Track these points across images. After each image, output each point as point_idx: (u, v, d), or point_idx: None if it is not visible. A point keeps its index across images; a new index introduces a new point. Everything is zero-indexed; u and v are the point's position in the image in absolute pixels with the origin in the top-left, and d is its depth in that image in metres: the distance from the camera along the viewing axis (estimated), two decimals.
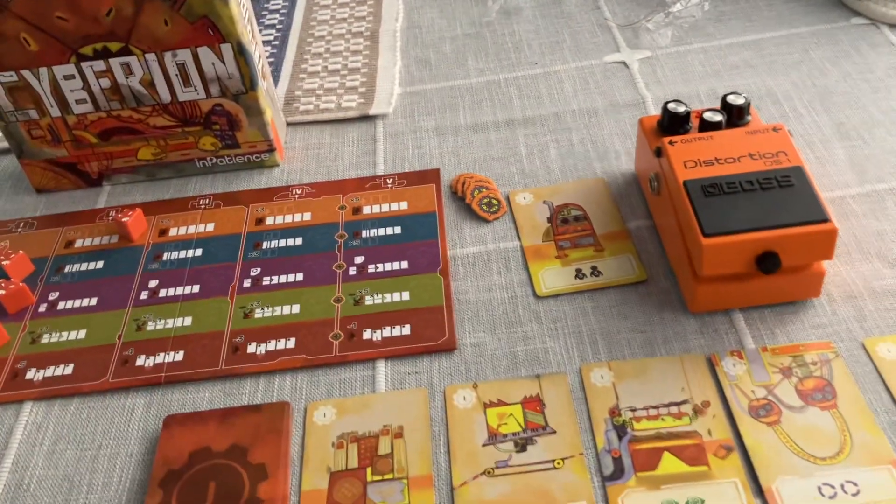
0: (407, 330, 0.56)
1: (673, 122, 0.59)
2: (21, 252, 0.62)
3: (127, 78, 0.63)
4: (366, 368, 0.54)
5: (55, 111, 0.65)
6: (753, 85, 0.72)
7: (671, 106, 0.59)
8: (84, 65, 0.62)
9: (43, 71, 0.63)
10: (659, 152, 0.57)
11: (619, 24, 0.81)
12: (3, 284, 0.59)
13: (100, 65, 0.63)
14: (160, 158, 0.69)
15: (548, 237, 0.61)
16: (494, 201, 0.64)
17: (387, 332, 0.55)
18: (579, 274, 0.58)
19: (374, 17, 0.85)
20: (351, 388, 0.53)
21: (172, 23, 0.61)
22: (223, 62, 0.63)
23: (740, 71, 0.74)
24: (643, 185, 0.63)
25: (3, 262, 0.61)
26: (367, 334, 0.56)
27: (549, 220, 0.62)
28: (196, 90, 0.65)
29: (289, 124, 0.74)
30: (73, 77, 0.63)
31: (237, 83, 0.64)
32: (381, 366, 0.54)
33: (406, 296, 0.58)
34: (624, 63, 0.76)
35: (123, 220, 0.63)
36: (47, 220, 0.68)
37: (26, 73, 0.63)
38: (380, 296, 0.58)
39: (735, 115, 0.60)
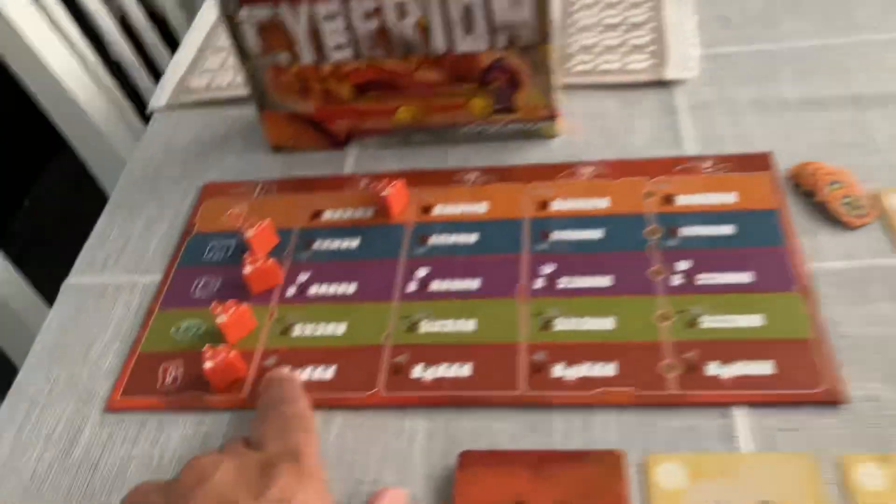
0: (768, 368, 0.42)
1: None
2: (268, 220, 0.52)
3: (400, 20, 0.53)
4: (717, 416, 0.41)
5: (308, 56, 0.55)
6: None
7: None
8: (353, 2, 0.52)
9: (303, 7, 0.52)
10: None
11: None
12: (248, 259, 0.50)
13: (370, 3, 0.52)
14: (420, 121, 0.58)
15: None
16: (861, 201, 0.49)
17: (739, 367, 0.43)
18: None
19: None
20: (701, 442, 0.41)
21: None
22: (521, 4, 0.51)
23: None
24: None
25: (247, 233, 0.52)
26: (712, 369, 0.43)
27: None
28: (479, 40, 0.53)
29: (565, 87, 0.61)
30: (335, 17, 0.52)
31: (531, 32, 0.52)
32: (740, 414, 0.41)
33: (758, 320, 0.44)
34: None
35: (384, 192, 0.53)
36: (289, 184, 0.58)
37: (284, 9, 0.53)
38: (722, 317, 0.45)
39: None
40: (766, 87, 0.58)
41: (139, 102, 0.91)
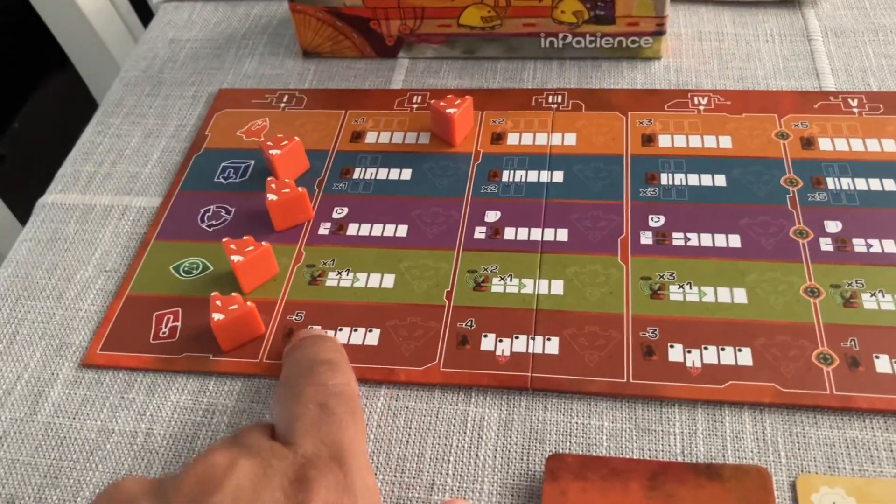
0: None
1: None
2: (297, 139, 0.42)
3: None
4: (892, 427, 0.31)
5: None
6: None
7: None
8: None
9: None
10: None
11: None
12: (273, 186, 0.39)
13: None
14: (491, 27, 0.47)
15: None
16: None
17: None
18: None
19: None
20: (869, 461, 0.31)
21: None
22: None
23: None
24: None
25: (272, 152, 0.41)
26: (882, 364, 0.33)
27: None
28: None
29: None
30: None
31: None
32: None
33: None
34: None
35: (449, 111, 0.42)
36: (322, 95, 0.47)
37: None
38: (888, 297, 0.34)
39: None
40: None
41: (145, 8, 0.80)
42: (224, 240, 0.37)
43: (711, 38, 0.47)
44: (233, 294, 0.35)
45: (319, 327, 0.35)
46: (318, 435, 0.27)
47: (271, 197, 0.38)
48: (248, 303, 0.34)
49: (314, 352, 0.32)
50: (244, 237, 0.37)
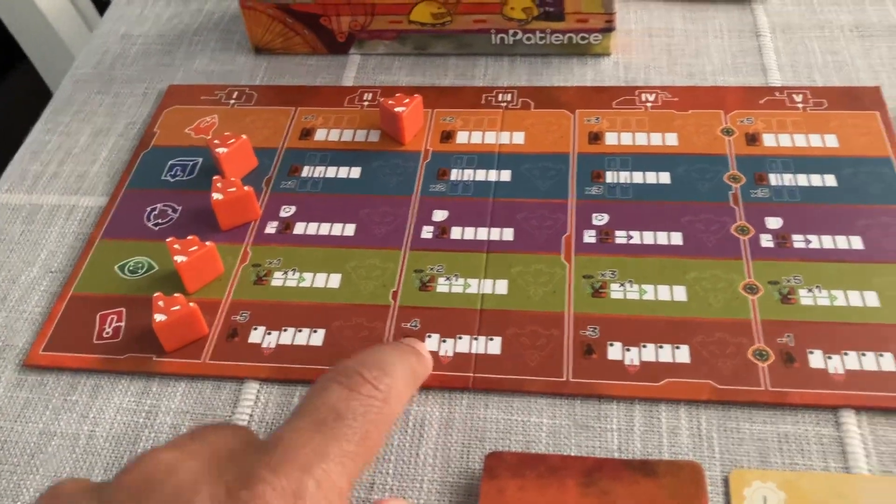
0: (890, 361, 0.33)
1: None
2: (245, 137, 0.41)
3: None
4: (822, 422, 0.32)
5: None
6: None
7: None
8: None
9: None
10: None
11: None
12: (219, 185, 0.39)
13: None
14: (442, 24, 0.47)
15: None
16: None
17: (852, 360, 0.34)
18: None
19: None
20: (801, 455, 0.32)
21: None
22: None
23: None
24: None
25: (218, 150, 0.41)
26: (815, 359, 0.33)
27: None
28: None
29: None
30: None
31: None
32: (851, 421, 0.32)
33: (872, 299, 0.35)
34: None
35: (397, 109, 0.42)
36: (273, 92, 0.46)
37: None
38: (825, 292, 0.35)
39: None
40: (867, 10, 0.47)
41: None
42: (168, 239, 0.37)
43: (661, 35, 0.47)
44: (176, 294, 0.34)
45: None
46: (304, 439, 0.25)
47: (216, 196, 0.38)
48: (191, 303, 0.34)
49: (386, 354, 0.29)
50: (189, 237, 0.37)
